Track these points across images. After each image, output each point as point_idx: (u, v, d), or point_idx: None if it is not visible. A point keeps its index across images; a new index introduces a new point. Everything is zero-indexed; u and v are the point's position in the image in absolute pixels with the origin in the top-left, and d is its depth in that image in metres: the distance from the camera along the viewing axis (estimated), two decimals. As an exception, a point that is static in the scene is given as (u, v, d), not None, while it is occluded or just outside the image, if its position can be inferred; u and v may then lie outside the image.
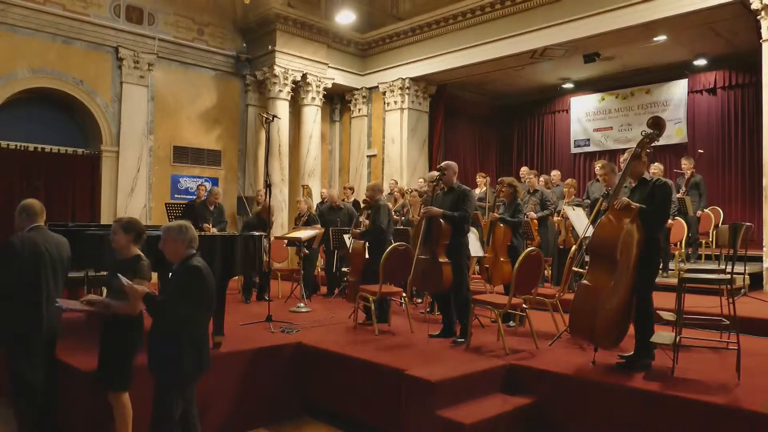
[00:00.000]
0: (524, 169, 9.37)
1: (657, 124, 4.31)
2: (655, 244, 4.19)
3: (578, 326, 4.11)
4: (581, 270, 4.64)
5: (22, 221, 3.77)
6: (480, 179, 9.44)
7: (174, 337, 3.13)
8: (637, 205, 4.07)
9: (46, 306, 3.66)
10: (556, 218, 7.85)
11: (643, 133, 4.30)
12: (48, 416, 3.86)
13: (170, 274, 3.39)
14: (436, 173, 5.59)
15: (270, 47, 11.24)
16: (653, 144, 4.33)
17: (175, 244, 3.23)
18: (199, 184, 9.19)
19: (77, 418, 3.98)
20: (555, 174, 9.54)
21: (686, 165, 8.73)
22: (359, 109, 13.05)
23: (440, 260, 5.24)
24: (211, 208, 8.07)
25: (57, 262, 3.76)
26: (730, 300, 4.10)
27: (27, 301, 3.61)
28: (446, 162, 5.67)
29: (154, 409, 3.18)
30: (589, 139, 13.27)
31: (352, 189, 10.15)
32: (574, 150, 13.57)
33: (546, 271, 7.42)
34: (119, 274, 3.19)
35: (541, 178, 8.69)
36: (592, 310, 3.94)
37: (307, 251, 7.49)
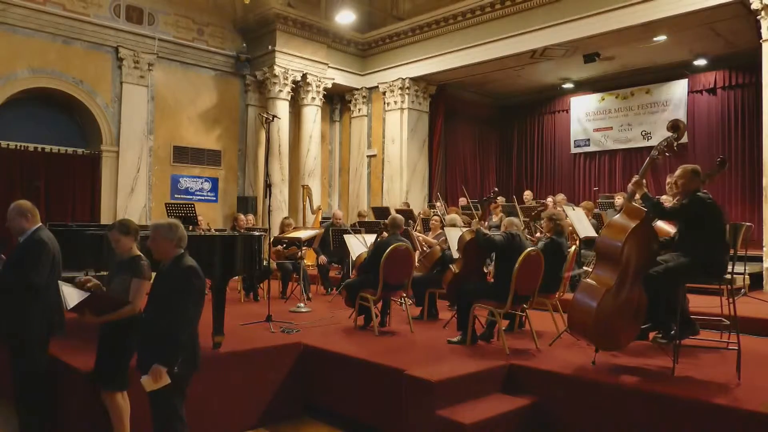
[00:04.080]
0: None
1: (676, 127, 4.19)
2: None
3: (575, 323, 4.16)
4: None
5: (26, 222, 3.74)
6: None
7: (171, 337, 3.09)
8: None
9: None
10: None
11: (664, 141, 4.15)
12: (49, 416, 3.87)
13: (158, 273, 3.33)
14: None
15: (270, 47, 11.24)
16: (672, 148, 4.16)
17: (165, 243, 3.19)
18: None
19: (77, 418, 3.98)
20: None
21: None
22: (359, 109, 13.05)
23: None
24: None
25: (59, 260, 3.84)
26: (730, 300, 4.10)
27: (50, 299, 3.69)
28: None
29: (158, 414, 3.10)
30: (589, 139, 13.27)
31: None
32: (574, 150, 13.57)
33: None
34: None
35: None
36: (588, 307, 3.96)
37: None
